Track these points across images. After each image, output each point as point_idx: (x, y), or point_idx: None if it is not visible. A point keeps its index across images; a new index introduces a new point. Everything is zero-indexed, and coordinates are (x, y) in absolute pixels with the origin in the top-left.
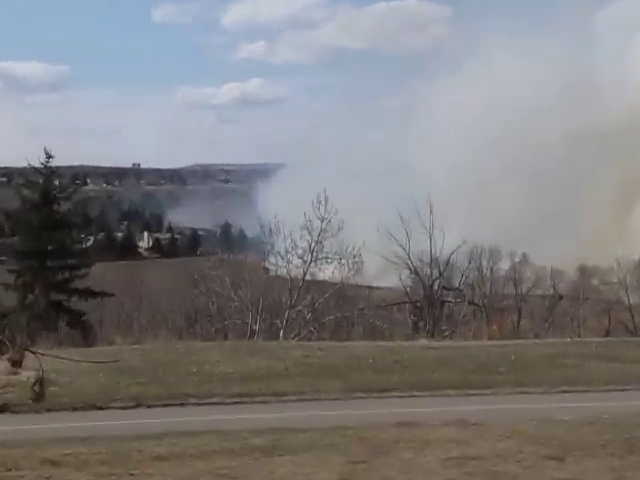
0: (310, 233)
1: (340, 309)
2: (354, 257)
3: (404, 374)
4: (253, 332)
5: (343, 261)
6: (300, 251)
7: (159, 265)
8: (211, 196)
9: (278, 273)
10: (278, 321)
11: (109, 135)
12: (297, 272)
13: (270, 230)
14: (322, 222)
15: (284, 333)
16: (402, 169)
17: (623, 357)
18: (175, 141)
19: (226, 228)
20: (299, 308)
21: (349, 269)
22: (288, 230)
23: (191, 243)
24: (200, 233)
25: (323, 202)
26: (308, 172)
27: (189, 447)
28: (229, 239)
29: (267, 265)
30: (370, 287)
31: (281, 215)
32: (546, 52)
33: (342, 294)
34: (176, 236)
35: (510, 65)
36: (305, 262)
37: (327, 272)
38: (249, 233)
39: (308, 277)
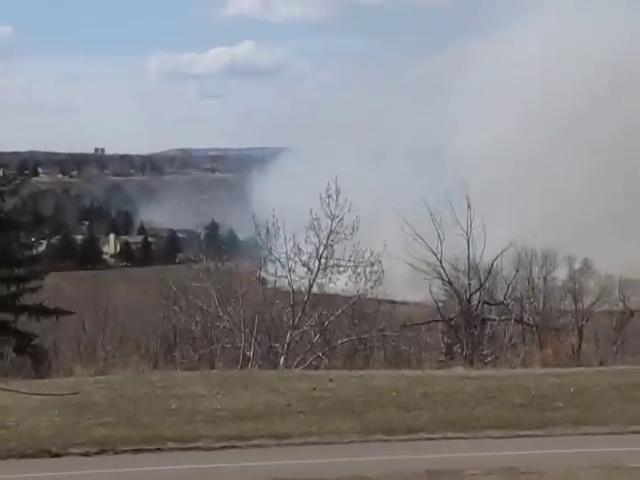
0: (317, 235)
1: (355, 330)
2: (372, 264)
3: (435, 410)
4: (247, 359)
5: (359, 270)
6: (305, 257)
7: (129, 275)
8: (194, 189)
9: (277, 285)
10: (278, 345)
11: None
12: (301, 284)
13: (267, 231)
14: (332, 221)
15: (286, 360)
16: (432, 152)
17: None
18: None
19: (212, 229)
20: (304, 328)
21: (366, 279)
22: (290, 231)
23: (169, 248)
24: (180, 235)
25: (334, 195)
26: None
27: None
28: (216, 242)
29: (264, 275)
30: (393, 302)
31: (281, 212)
32: (596, 10)
33: (358, 311)
34: (150, 239)
35: (561, 23)
36: (311, 271)
37: (339, 284)
38: (241, 235)
39: (315, 290)
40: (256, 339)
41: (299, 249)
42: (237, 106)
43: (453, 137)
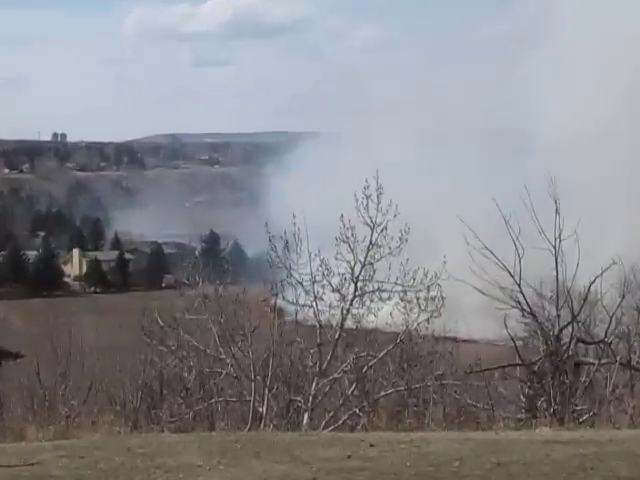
0: (353, 249)
1: (405, 377)
2: (427, 289)
3: None
4: (259, 416)
5: (409, 296)
6: (336, 280)
7: (100, 305)
8: (186, 188)
9: (299, 317)
10: (300, 398)
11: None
12: (331, 316)
13: (286, 244)
14: (373, 230)
15: (310, 418)
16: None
17: None
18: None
19: (212, 242)
20: (335, 376)
21: (419, 310)
22: (316, 244)
23: (153, 268)
24: (168, 251)
25: (374, 196)
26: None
27: None
28: (217, 260)
29: (281, 304)
30: (455, 340)
31: (305, 219)
32: None
33: (408, 352)
34: (128, 256)
35: None
36: (344, 299)
37: (382, 315)
38: (250, 250)
39: (350, 324)
40: (270, 390)
41: (328, 269)
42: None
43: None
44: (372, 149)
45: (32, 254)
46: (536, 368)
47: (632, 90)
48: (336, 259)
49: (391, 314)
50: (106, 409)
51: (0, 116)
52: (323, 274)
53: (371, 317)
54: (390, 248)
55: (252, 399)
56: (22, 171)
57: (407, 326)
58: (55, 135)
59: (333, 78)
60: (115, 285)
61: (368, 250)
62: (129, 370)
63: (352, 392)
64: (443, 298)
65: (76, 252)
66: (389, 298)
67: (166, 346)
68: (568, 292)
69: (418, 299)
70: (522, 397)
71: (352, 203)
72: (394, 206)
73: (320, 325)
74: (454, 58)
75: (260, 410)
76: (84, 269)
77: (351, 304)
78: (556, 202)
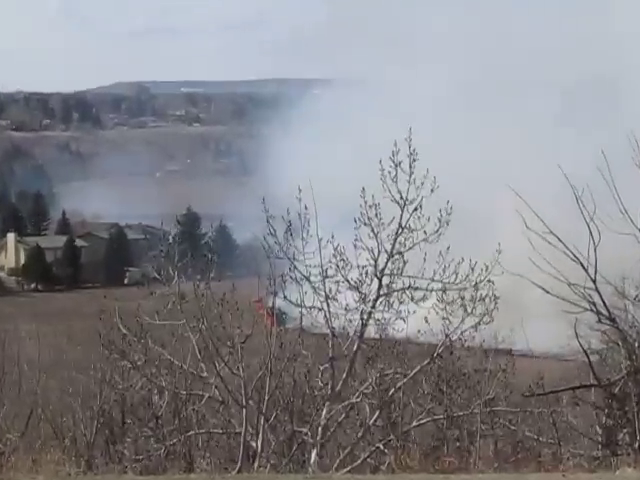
0: (376, 234)
1: (443, 403)
2: (475, 286)
3: None
4: (252, 454)
5: (450, 296)
6: (355, 274)
7: (42, 307)
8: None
9: (305, 324)
10: (306, 430)
11: None
12: (348, 321)
13: (289, 228)
14: (404, 208)
15: (320, 456)
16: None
17: None
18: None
19: (190, 224)
20: (352, 400)
21: (464, 313)
22: (328, 228)
23: (112, 258)
24: (132, 237)
25: (407, 164)
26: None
27: None
28: (196, 249)
29: (280, 305)
30: (510, 353)
31: (313, 194)
32: None
33: (448, 369)
34: (79, 243)
35: None
36: (365, 299)
37: (414, 321)
38: (240, 235)
39: (372, 332)
40: (267, 419)
41: (344, 260)
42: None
43: (624, 64)
44: (402, 102)
45: None
46: (616, 390)
47: None
48: (355, 247)
49: (426, 319)
50: (51, 444)
51: None
52: (337, 267)
53: (400, 323)
54: (426, 233)
55: (243, 431)
56: None
57: (447, 335)
58: None
59: (351, 8)
60: (63, 281)
61: (397, 235)
62: (81, 393)
63: (374, 422)
64: (496, 298)
65: (11, 237)
66: (424, 298)
67: (130, 361)
68: None
69: (462, 299)
70: (598, 428)
71: (376, 173)
72: (431, 178)
73: (333, 334)
74: None
75: (254, 445)
76: (22, 260)
77: (374, 306)
78: None
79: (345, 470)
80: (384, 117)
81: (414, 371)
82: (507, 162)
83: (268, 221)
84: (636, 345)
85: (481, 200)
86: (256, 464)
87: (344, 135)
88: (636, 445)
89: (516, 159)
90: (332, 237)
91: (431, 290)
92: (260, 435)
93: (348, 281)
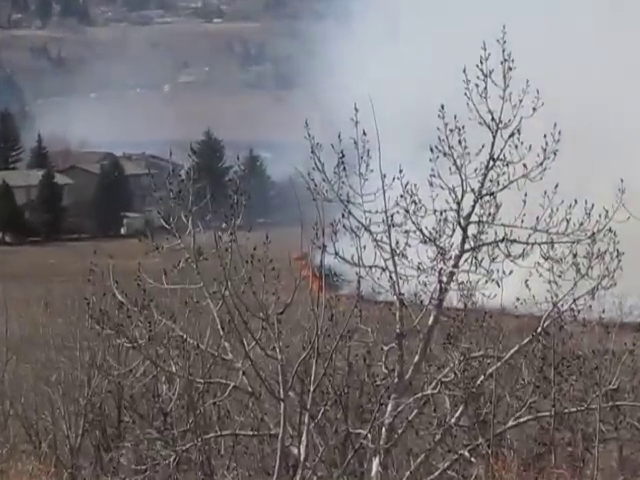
0: (460, 168)
1: (550, 395)
2: (592, 238)
3: None
4: (292, 461)
5: (559, 252)
6: (431, 222)
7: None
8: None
9: (363, 288)
10: (365, 431)
11: None
12: (421, 285)
13: (342, 159)
14: (496, 133)
15: (383, 466)
16: None
17: None
18: None
19: (208, 154)
20: (426, 392)
21: (577, 275)
22: (396, 158)
23: (104, 200)
24: (131, 171)
25: (504, 73)
26: None
27: None
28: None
29: (329, 264)
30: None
31: (374, 113)
32: None
33: (556, 351)
34: (61, 179)
35: None
36: (445, 256)
37: (510, 285)
38: (276, 168)
39: (454, 301)
40: (313, 417)
41: (416, 202)
42: None
43: None
44: None
45: None
46: None
47: None
48: (431, 185)
49: (527, 283)
50: (24, 449)
51: None
52: (407, 212)
53: (492, 288)
54: (526, 167)
55: (281, 432)
56: None
57: (555, 305)
58: None
59: None
60: (38, 230)
61: (487, 170)
62: (63, 381)
63: (457, 421)
64: (619, 255)
65: None
66: (523, 255)
67: (129, 339)
68: None
69: (575, 256)
70: None
71: (459, 87)
72: (533, 92)
73: (402, 303)
74: None
75: (295, 452)
76: None
77: (456, 265)
78: None
79: None
80: (472, 13)
81: (510, 352)
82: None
83: (313, 151)
84: None
85: (600, 122)
86: (298, 476)
87: (418, 37)
88: None
89: None
90: (400, 172)
91: (533, 243)
92: (304, 438)
93: (422, 231)
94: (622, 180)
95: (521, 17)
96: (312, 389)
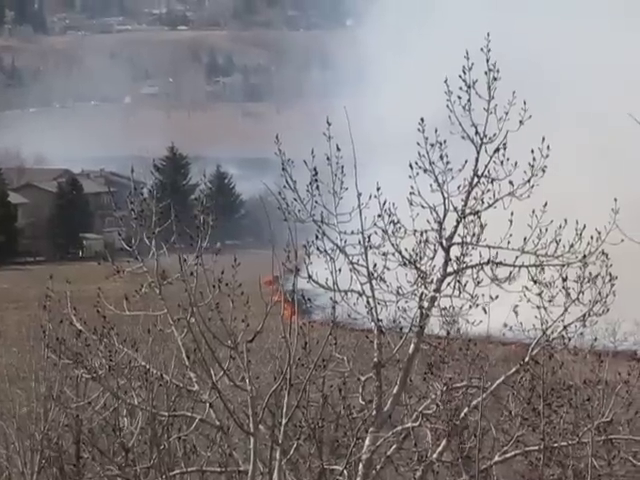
0: (441, 185)
1: (539, 428)
2: (583, 260)
3: None
4: None
5: (548, 275)
6: (411, 243)
7: None
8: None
9: (338, 314)
10: (341, 467)
11: None
12: (401, 311)
13: (315, 176)
14: (480, 147)
15: None
16: None
17: None
18: None
19: (172, 169)
20: (407, 425)
21: (567, 299)
22: (373, 175)
23: (62, 221)
24: (91, 190)
25: (489, 84)
26: None
27: None
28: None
29: (301, 289)
30: (635, 356)
31: (349, 125)
32: None
33: (545, 380)
34: (15, 199)
35: None
36: (426, 279)
37: (496, 311)
38: (244, 185)
39: (436, 327)
40: (285, 453)
41: (394, 222)
42: None
43: None
44: None
45: None
46: None
47: None
48: (410, 204)
49: (515, 310)
50: None
51: None
52: (385, 232)
53: (477, 314)
54: (512, 184)
55: (251, 468)
56: None
57: (544, 332)
58: None
59: None
60: None
61: (471, 187)
62: (17, 414)
63: (440, 455)
64: (612, 279)
65: None
66: (510, 279)
67: (88, 369)
68: None
69: (564, 280)
70: None
71: (439, 95)
72: (520, 103)
73: (380, 330)
74: None
75: None
76: None
77: (438, 290)
78: None
79: None
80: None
81: (496, 382)
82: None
83: (284, 168)
84: None
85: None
86: None
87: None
88: None
89: None
90: (378, 190)
91: (520, 266)
92: (275, 475)
93: (401, 253)
94: (616, 200)
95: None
96: (284, 422)
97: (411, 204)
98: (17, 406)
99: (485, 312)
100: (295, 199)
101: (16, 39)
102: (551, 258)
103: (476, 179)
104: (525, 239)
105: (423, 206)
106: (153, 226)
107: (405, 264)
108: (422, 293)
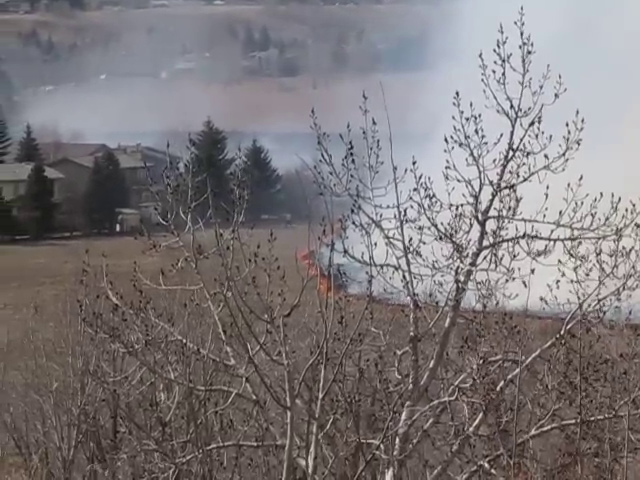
0: (477, 159)
1: (575, 402)
2: (618, 233)
3: None
4: (299, 474)
5: (584, 248)
6: (446, 217)
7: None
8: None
9: (374, 289)
10: (377, 441)
11: None
12: (437, 285)
13: (350, 151)
14: (515, 122)
15: (397, 477)
16: None
17: None
18: None
19: (208, 144)
20: (443, 399)
21: (601, 273)
22: (408, 149)
23: (98, 196)
24: (127, 165)
25: (523, 57)
26: None
27: None
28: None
29: (337, 263)
30: None
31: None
32: None
33: (582, 355)
34: (51, 173)
35: None
36: (462, 253)
37: (532, 285)
38: (282, 160)
39: (472, 302)
40: (322, 427)
41: (430, 196)
42: None
43: None
44: None
45: None
46: None
47: None
48: (446, 178)
49: (555, 283)
50: (12, 462)
51: None
52: (420, 206)
53: (513, 288)
54: (547, 157)
55: (288, 443)
56: None
57: (581, 305)
58: None
59: None
60: (27, 228)
61: (506, 161)
62: (54, 389)
63: (477, 429)
64: None
65: None
66: (546, 252)
67: (125, 344)
68: None
69: (599, 254)
70: None
71: (475, 72)
72: (555, 77)
73: (416, 304)
74: None
75: (302, 463)
76: None
77: (474, 263)
78: None
79: None
80: None
81: (532, 355)
82: None
83: (320, 142)
84: None
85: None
86: None
87: None
88: None
89: None
90: (413, 164)
91: (556, 240)
92: (312, 449)
93: (437, 227)
94: None
95: None
96: (321, 397)
97: (447, 178)
98: (54, 381)
99: (525, 286)
100: (331, 173)
101: (52, 14)
102: (586, 231)
103: (511, 153)
104: (560, 213)
105: (459, 180)
106: (189, 201)
107: (441, 238)
108: (458, 267)
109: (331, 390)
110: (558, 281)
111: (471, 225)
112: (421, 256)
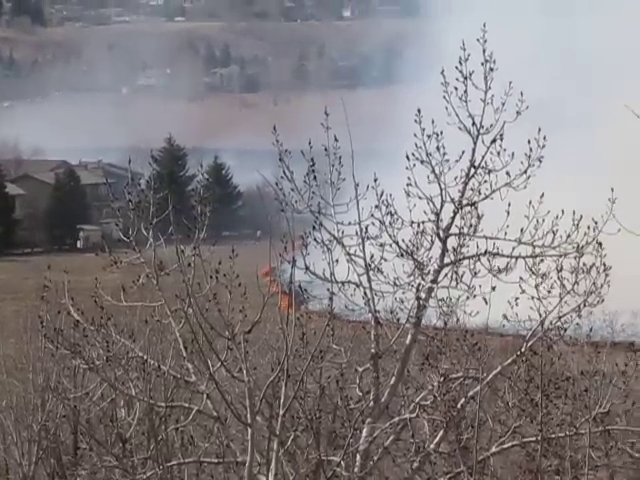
0: (438, 176)
1: (536, 419)
2: (579, 250)
3: None
4: None
5: (545, 265)
6: (408, 234)
7: None
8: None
9: (336, 306)
10: (338, 458)
11: None
12: (398, 303)
13: (312, 168)
14: (477, 138)
15: None
16: None
17: None
18: None
19: (169, 161)
20: (404, 415)
21: (562, 290)
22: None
23: (58, 212)
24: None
25: (485, 74)
26: None
27: None
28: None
29: (298, 280)
30: (632, 348)
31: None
32: None
33: (542, 372)
34: (12, 189)
35: None
36: (423, 270)
37: (493, 302)
38: (242, 176)
39: (433, 319)
40: (283, 443)
41: (392, 213)
42: None
43: None
44: None
45: None
46: None
47: None
48: (408, 195)
49: (514, 301)
50: None
51: None
52: (382, 223)
53: (474, 305)
54: (509, 174)
55: (248, 460)
56: None
57: (542, 323)
58: None
59: None
60: None
61: (468, 178)
62: (15, 406)
63: (438, 446)
64: (607, 269)
65: None
66: (507, 269)
67: (85, 360)
68: None
69: (559, 271)
70: None
71: (437, 89)
72: (517, 94)
73: (377, 321)
74: None
75: (262, 479)
76: None
77: (435, 281)
78: None
79: None
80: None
81: (493, 373)
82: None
83: (281, 158)
84: None
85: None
86: None
87: None
88: None
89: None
90: (375, 181)
91: (517, 257)
92: (273, 466)
93: (398, 244)
94: (612, 189)
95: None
96: (281, 413)
97: (408, 195)
98: (14, 397)
99: (486, 303)
100: (292, 189)
101: (14, 30)
102: (548, 249)
103: (473, 170)
104: (522, 230)
105: (420, 197)
106: (150, 217)
107: (402, 255)
108: (419, 284)
109: (292, 407)
110: (517, 298)
111: (432, 242)
112: (382, 273)
